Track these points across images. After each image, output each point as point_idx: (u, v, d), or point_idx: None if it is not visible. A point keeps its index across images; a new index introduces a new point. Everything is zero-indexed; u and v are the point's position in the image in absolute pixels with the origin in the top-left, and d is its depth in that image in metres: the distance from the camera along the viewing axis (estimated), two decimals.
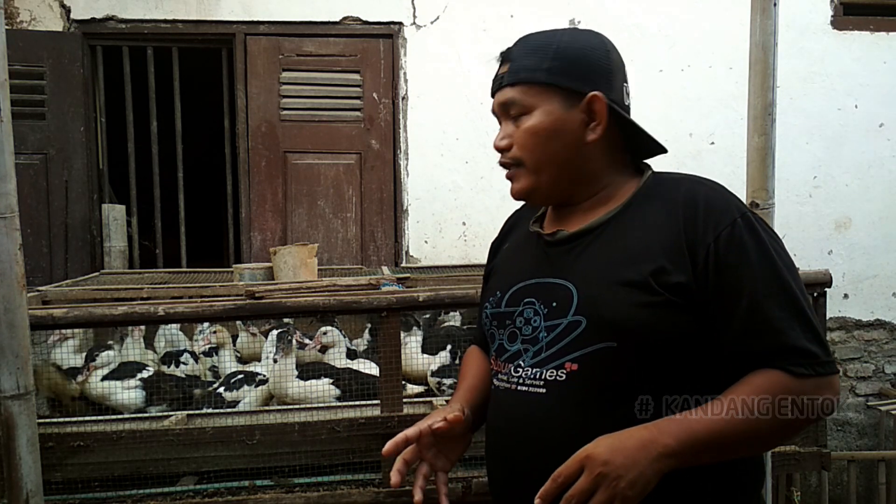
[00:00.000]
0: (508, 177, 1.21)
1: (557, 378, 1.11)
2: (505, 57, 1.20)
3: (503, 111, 1.19)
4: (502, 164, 1.21)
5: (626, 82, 1.20)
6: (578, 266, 1.14)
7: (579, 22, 4.40)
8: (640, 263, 1.09)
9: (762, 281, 1.06)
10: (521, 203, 1.32)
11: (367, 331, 3.19)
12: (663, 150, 1.24)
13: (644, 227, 1.12)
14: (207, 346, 2.92)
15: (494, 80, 1.21)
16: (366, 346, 3.07)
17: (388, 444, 1.18)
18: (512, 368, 1.17)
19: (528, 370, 1.15)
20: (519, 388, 1.15)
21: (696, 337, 1.08)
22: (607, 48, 1.19)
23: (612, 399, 1.09)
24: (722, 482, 1.11)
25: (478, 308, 1.41)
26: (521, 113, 1.17)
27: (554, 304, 1.14)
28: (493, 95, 1.21)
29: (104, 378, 2.60)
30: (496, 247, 1.38)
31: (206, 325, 3.05)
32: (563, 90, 1.15)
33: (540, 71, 1.15)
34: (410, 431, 1.18)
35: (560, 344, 1.12)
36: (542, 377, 1.12)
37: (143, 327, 2.86)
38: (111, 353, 2.66)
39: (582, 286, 1.12)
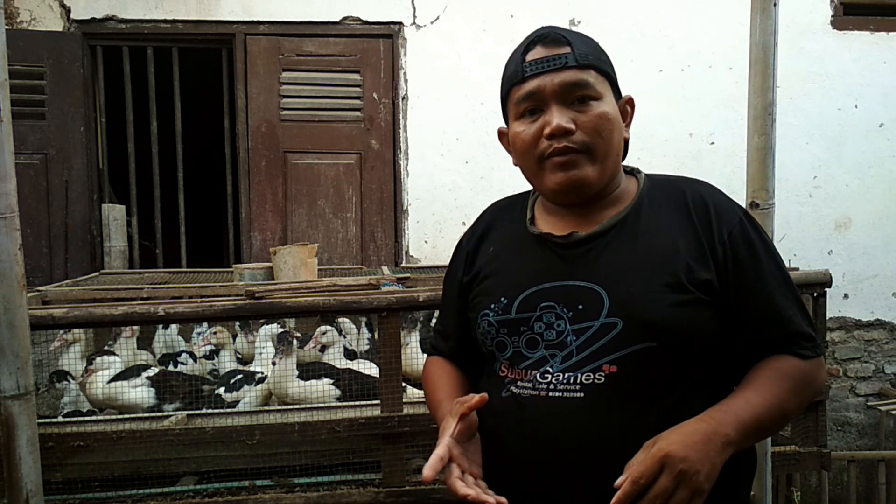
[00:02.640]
0: (567, 162, 1.13)
1: (595, 381, 1.09)
2: (555, 38, 1.15)
3: (562, 93, 1.13)
4: (561, 150, 1.13)
5: None
6: (601, 267, 1.13)
7: (579, 22, 4.40)
8: (671, 264, 1.11)
9: (770, 274, 1.14)
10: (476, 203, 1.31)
11: (363, 325, 3.19)
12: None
13: (662, 228, 1.15)
14: (207, 348, 2.91)
15: (546, 61, 1.14)
16: (367, 346, 3.07)
17: (427, 470, 1.06)
18: (538, 375, 1.13)
19: (558, 375, 1.11)
20: (551, 394, 1.11)
21: (718, 331, 1.13)
22: None
23: (652, 397, 1.09)
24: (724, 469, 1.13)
25: (442, 314, 1.39)
26: (590, 97, 1.14)
27: (580, 306, 1.12)
28: (532, 75, 1.14)
29: (110, 381, 2.59)
30: (475, 249, 1.30)
31: (205, 325, 3.05)
32: (613, 85, 1.19)
33: (601, 61, 1.17)
34: (442, 451, 1.09)
35: (594, 346, 1.10)
36: (578, 381, 1.10)
37: (135, 328, 2.86)
38: (109, 358, 2.65)
39: (611, 288, 1.11)
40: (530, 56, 1.15)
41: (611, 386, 1.08)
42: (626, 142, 1.22)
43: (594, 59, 1.15)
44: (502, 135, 1.27)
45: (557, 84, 1.13)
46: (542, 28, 1.18)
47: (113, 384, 2.57)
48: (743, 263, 1.13)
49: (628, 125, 1.22)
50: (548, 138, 1.13)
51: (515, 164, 1.24)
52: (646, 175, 1.25)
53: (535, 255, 1.19)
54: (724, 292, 1.12)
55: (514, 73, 1.17)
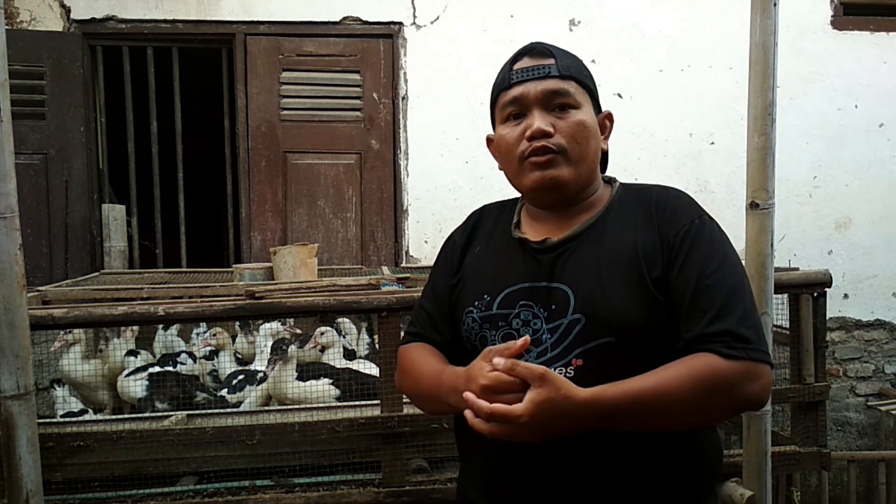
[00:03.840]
0: (545, 162, 1.22)
1: (566, 374, 1.16)
2: (541, 50, 1.27)
3: (544, 99, 1.23)
4: (539, 150, 1.22)
5: None
6: (569, 269, 1.22)
7: (579, 22, 4.40)
8: (630, 264, 1.18)
9: (708, 269, 1.15)
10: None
11: (364, 330, 3.18)
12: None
13: (626, 231, 1.23)
14: (207, 349, 2.90)
15: (531, 70, 1.24)
16: (367, 351, 3.06)
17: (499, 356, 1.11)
18: None
19: None
20: None
21: (673, 327, 1.16)
22: None
23: None
24: (681, 467, 1.18)
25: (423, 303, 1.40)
26: (569, 105, 1.24)
27: (553, 306, 1.20)
28: (518, 82, 1.25)
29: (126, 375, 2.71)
30: (464, 247, 1.38)
31: (203, 325, 3.05)
32: (593, 99, 1.29)
33: (583, 75, 1.28)
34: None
35: (565, 342, 1.18)
36: None
37: (134, 329, 2.86)
38: (130, 357, 2.76)
39: (576, 287, 1.19)
40: (517, 66, 1.27)
41: (578, 378, 1.13)
42: (606, 154, 1.34)
43: (576, 72, 1.26)
44: (490, 141, 1.36)
45: (540, 91, 1.23)
46: (531, 42, 1.30)
47: (125, 380, 2.67)
48: (682, 258, 1.17)
49: (606, 137, 1.33)
50: (528, 139, 1.23)
51: (500, 169, 1.33)
52: (621, 184, 1.33)
53: (516, 258, 1.28)
54: (668, 287, 1.16)
55: (502, 81, 1.28)
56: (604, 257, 1.20)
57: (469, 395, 1.08)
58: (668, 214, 1.22)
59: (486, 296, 1.26)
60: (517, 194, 1.39)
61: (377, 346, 2.46)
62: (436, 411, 1.32)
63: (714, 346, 1.10)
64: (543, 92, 1.23)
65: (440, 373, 1.25)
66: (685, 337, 1.14)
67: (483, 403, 1.06)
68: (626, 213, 1.25)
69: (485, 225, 1.39)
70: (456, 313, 1.32)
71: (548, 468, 1.17)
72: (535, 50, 1.27)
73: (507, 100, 1.26)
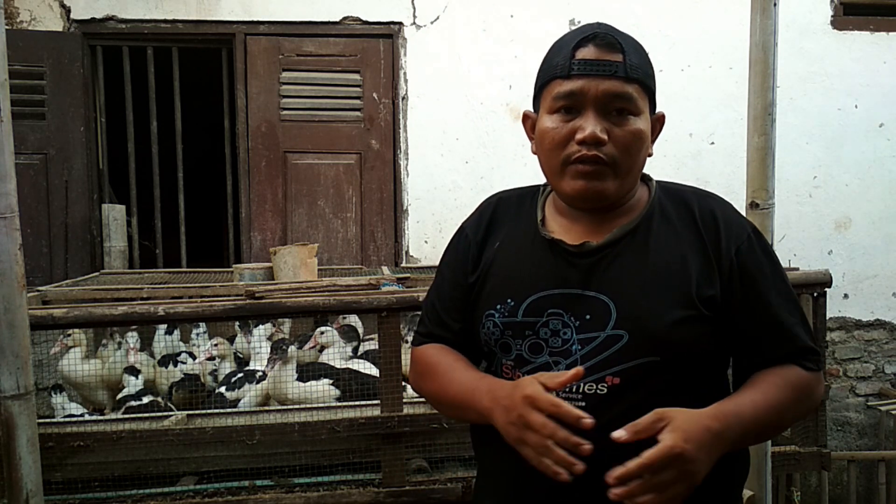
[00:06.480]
0: (591, 172, 1.11)
1: (598, 391, 1.09)
2: (610, 41, 1.12)
3: (604, 101, 1.10)
4: (588, 158, 1.10)
5: None
6: (611, 278, 1.12)
7: (579, 22, 4.39)
8: (679, 279, 1.11)
9: (776, 290, 1.15)
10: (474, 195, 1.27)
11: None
12: None
13: (671, 242, 1.15)
14: (210, 364, 2.86)
15: (596, 65, 1.10)
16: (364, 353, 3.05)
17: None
18: None
19: None
20: None
21: (719, 346, 1.15)
22: None
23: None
24: (716, 474, 1.12)
25: (438, 304, 1.31)
26: (629, 112, 1.11)
27: (587, 316, 1.11)
28: (579, 75, 1.10)
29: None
30: (481, 241, 1.26)
31: (203, 326, 3.04)
32: (651, 103, 1.16)
33: (648, 76, 1.14)
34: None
35: (598, 357, 1.10)
36: (581, 391, 1.09)
37: (127, 337, 2.85)
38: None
39: (619, 300, 1.11)
40: (581, 54, 1.11)
41: (612, 397, 1.08)
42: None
43: (642, 73, 1.12)
44: (527, 118, 1.24)
45: (602, 91, 1.10)
46: (598, 25, 1.16)
47: None
48: (750, 279, 1.13)
49: (653, 141, 1.19)
50: (578, 143, 1.10)
51: (534, 153, 1.20)
52: (657, 183, 1.23)
53: (545, 260, 1.17)
54: (727, 307, 1.12)
55: (561, 67, 1.12)
56: (650, 269, 1.12)
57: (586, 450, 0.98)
58: (721, 228, 1.14)
59: (509, 300, 1.16)
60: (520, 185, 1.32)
61: (377, 346, 2.45)
62: (461, 419, 1.24)
63: (799, 361, 1.15)
64: (605, 93, 1.09)
65: (476, 380, 1.16)
66: (762, 353, 1.15)
67: (631, 464, 0.96)
68: (670, 222, 1.16)
69: (503, 218, 1.27)
70: (475, 314, 1.22)
71: (574, 484, 1.07)
72: (604, 39, 1.12)
73: (562, 91, 1.11)
